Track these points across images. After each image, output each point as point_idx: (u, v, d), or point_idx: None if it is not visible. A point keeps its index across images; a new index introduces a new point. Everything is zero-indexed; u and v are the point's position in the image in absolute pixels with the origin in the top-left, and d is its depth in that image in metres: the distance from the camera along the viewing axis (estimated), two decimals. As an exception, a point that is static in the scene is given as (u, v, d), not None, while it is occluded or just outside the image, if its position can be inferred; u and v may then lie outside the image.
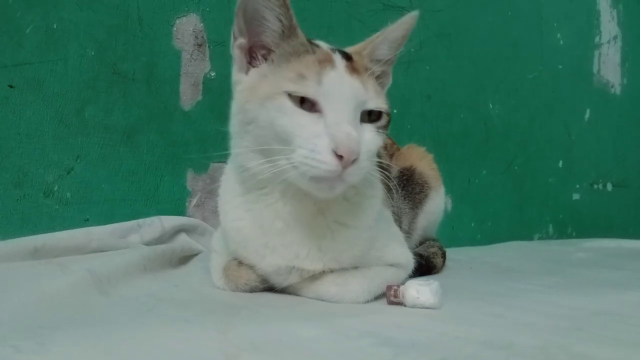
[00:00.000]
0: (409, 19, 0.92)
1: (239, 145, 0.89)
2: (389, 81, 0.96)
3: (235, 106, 0.89)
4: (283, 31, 0.85)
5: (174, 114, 1.49)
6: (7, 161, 1.24)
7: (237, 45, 0.88)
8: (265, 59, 0.88)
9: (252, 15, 0.85)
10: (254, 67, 0.88)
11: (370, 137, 0.84)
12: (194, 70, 1.52)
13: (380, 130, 0.86)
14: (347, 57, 0.87)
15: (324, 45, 0.90)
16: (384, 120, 0.87)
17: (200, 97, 1.53)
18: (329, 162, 0.77)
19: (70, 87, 1.32)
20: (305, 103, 0.81)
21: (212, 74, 1.54)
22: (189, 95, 1.51)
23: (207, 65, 1.54)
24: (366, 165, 0.82)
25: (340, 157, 0.76)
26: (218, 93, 1.54)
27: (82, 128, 1.34)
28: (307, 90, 0.80)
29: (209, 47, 1.54)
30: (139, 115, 1.43)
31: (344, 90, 0.81)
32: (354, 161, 0.78)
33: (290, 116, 0.80)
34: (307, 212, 0.90)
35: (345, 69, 0.83)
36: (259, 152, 0.85)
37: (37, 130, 1.28)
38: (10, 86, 1.25)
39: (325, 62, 0.83)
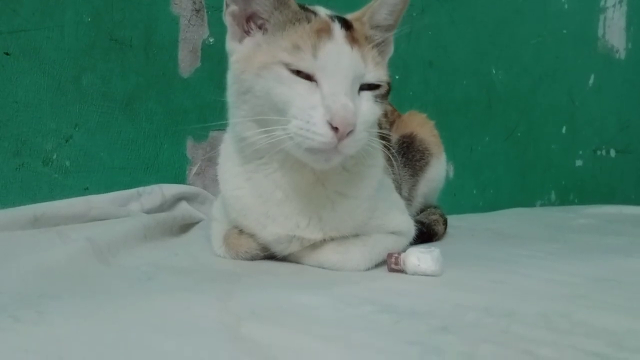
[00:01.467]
0: None
1: (236, 115, 0.88)
2: (391, 50, 0.93)
3: (230, 76, 0.88)
4: (275, 2, 0.83)
5: (172, 81, 1.47)
6: (5, 130, 1.23)
7: (229, 12, 0.86)
8: (260, 28, 0.85)
9: None
10: (249, 36, 0.86)
11: (368, 107, 0.82)
12: (192, 36, 1.49)
13: (379, 100, 0.84)
14: (347, 25, 0.84)
15: (322, 11, 0.87)
16: (382, 89, 0.85)
17: (199, 64, 1.51)
18: (324, 134, 0.76)
19: (67, 55, 1.31)
20: (301, 72, 0.79)
21: (211, 40, 1.52)
22: (187, 62, 1.49)
23: (206, 31, 1.51)
24: (363, 136, 0.80)
25: (335, 128, 0.75)
26: (217, 60, 1.52)
27: (80, 96, 1.33)
28: (302, 63, 0.78)
29: (207, 12, 1.51)
30: (137, 83, 1.42)
31: (341, 64, 0.79)
32: (349, 133, 0.76)
33: (287, 85, 0.79)
34: (306, 182, 0.89)
35: (344, 39, 0.81)
36: (256, 122, 0.84)
37: (34, 98, 1.26)
38: (7, 53, 1.23)
39: (322, 31, 0.81)
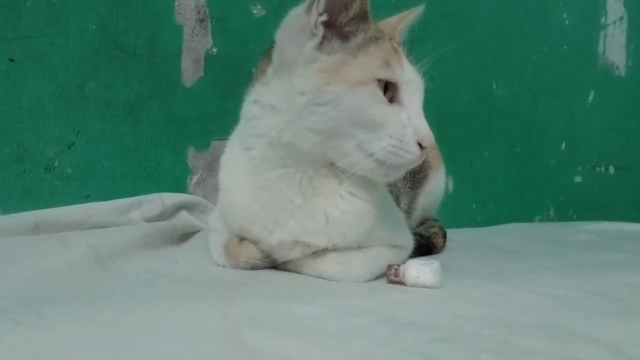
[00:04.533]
0: (420, 10, 0.99)
1: (294, 122, 0.85)
2: None
3: (304, 84, 0.83)
4: (359, 14, 0.84)
5: (175, 91, 1.48)
6: (7, 136, 1.23)
7: (321, 21, 0.83)
8: (334, 33, 0.84)
9: None
10: (324, 43, 0.85)
11: None
12: (195, 46, 1.50)
13: None
14: None
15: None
16: None
17: (201, 74, 1.52)
18: (415, 152, 0.83)
19: (71, 62, 1.31)
20: (387, 92, 0.83)
21: (214, 50, 1.53)
22: (190, 71, 1.50)
23: (209, 41, 1.52)
24: None
25: (421, 146, 0.82)
26: (220, 69, 1.53)
27: (82, 103, 1.33)
28: (397, 77, 0.83)
29: (211, 22, 1.52)
30: (140, 91, 1.42)
31: (417, 80, 0.87)
32: None
33: (381, 106, 0.82)
34: (325, 183, 0.90)
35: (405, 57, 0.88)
36: (321, 133, 0.84)
37: (37, 104, 1.27)
38: (11, 60, 1.24)
39: (396, 50, 0.86)
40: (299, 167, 0.89)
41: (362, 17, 0.84)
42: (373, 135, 0.82)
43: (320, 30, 0.84)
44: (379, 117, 0.82)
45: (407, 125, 0.83)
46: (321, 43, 0.84)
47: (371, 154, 0.83)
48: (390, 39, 0.88)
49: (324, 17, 0.83)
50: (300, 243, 0.91)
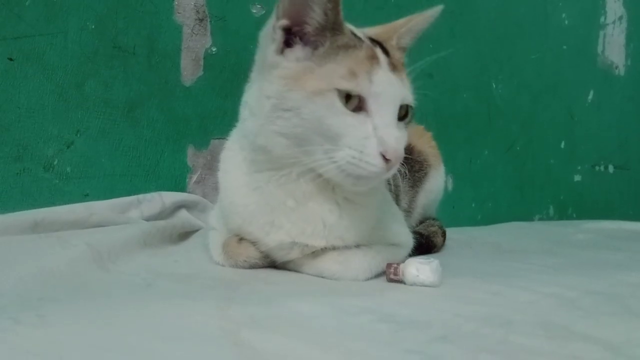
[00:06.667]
0: (434, 12, 0.94)
1: (264, 126, 0.85)
2: None
3: (269, 88, 0.84)
4: (326, 24, 0.82)
5: (174, 90, 1.48)
6: (6, 135, 1.23)
7: (279, 25, 0.83)
8: (301, 40, 0.83)
9: (300, 1, 0.81)
10: (288, 48, 0.84)
11: (404, 135, 0.84)
12: (195, 45, 1.50)
13: (407, 126, 0.87)
14: (383, 48, 0.86)
15: (354, 29, 0.88)
16: (410, 116, 0.87)
17: (201, 73, 1.51)
18: (378, 165, 0.79)
19: (70, 61, 1.31)
20: (350, 102, 0.79)
21: (213, 49, 1.53)
22: (189, 70, 1.50)
23: (209, 40, 1.52)
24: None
25: (386, 159, 0.78)
26: (219, 69, 1.53)
27: (82, 102, 1.33)
28: (360, 89, 0.79)
29: (210, 21, 1.52)
30: (139, 90, 1.42)
31: (390, 91, 0.81)
32: None
33: (339, 117, 0.79)
34: (318, 189, 0.89)
35: (388, 66, 0.83)
36: (290, 138, 0.83)
37: (37, 103, 1.27)
38: (10, 59, 1.23)
39: (372, 59, 0.82)
40: (281, 170, 0.88)
41: (331, 28, 0.82)
42: (334, 145, 0.80)
43: (279, 35, 0.83)
44: (337, 128, 0.79)
45: (370, 137, 0.79)
46: (290, 50, 0.84)
47: (335, 163, 0.80)
48: (382, 46, 0.86)
49: (283, 22, 0.83)
50: (299, 244, 0.91)
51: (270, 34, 0.85)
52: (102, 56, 1.36)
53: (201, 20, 1.51)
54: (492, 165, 2.31)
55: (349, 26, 0.87)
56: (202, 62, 1.52)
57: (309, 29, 0.82)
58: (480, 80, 2.26)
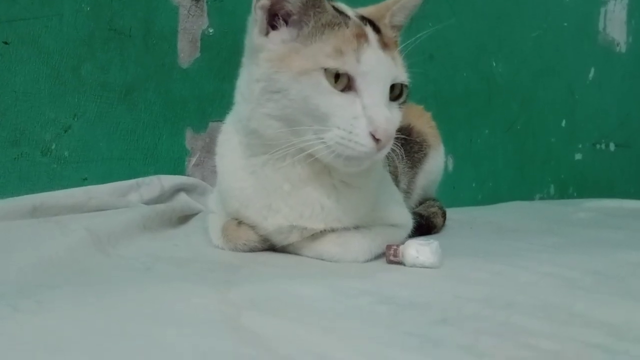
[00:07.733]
0: None
1: (255, 110, 0.85)
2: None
3: (257, 72, 0.84)
4: (307, 2, 0.80)
5: (171, 72, 1.47)
6: (3, 119, 1.22)
7: (259, 6, 0.82)
8: (286, 22, 0.83)
9: None
10: (273, 30, 0.83)
11: (397, 116, 0.84)
12: (191, 26, 1.49)
13: (402, 107, 0.86)
14: (374, 27, 0.84)
15: (346, 9, 0.87)
16: (405, 95, 0.86)
17: (198, 54, 1.50)
18: (367, 145, 0.78)
19: (66, 44, 1.29)
20: (339, 81, 0.78)
21: (210, 31, 1.51)
22: (187, 52, 1.48)
23: (205, 21, 1.50)
24: (392, 142, 0.82)
25: (376, 139, 0.77)
26: (216, 50, 1.51)
27: (78, 86, 1.32)
28: (347, 67, 0.78)
29: (206, 2, 1.50)
30: (136, 73, 1.41)
31: (379, 69, 0.80)
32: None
33: (326, 96, 0.78)
34: (314, 173, 0.88)
35: (378, 44, 0.82)
36: (280, 120, 0.83)
37: (33, 87, 1.25)
38: (5, 42, 1.22)
39: (360, 37, 0.80)
40: (276, 154, 0.86)
41: (312, 5, 0.80)
42: (323, 125, 0.79)
43: (259, 15, 0.83)
44: (325, 107, 0.78)
45: (360, 116, 0.78)
46: (276, 32, 0.83)
47: (325, 144, 0.80)
48: (374, 25, 0.84)
49: (263, 2, 0.82)
50: (297, 227, 0.91)
51: (253, 16, 0.85)
52: (98, 39, 1.34)
53: (197, 1, 1.49)
54: (492, 144, 2.30)
55: (339, 4, 0.87)
56: (199, 44, 1.50)
57: (289, 7, 0.82)
58: (480, 59, 2.25)
